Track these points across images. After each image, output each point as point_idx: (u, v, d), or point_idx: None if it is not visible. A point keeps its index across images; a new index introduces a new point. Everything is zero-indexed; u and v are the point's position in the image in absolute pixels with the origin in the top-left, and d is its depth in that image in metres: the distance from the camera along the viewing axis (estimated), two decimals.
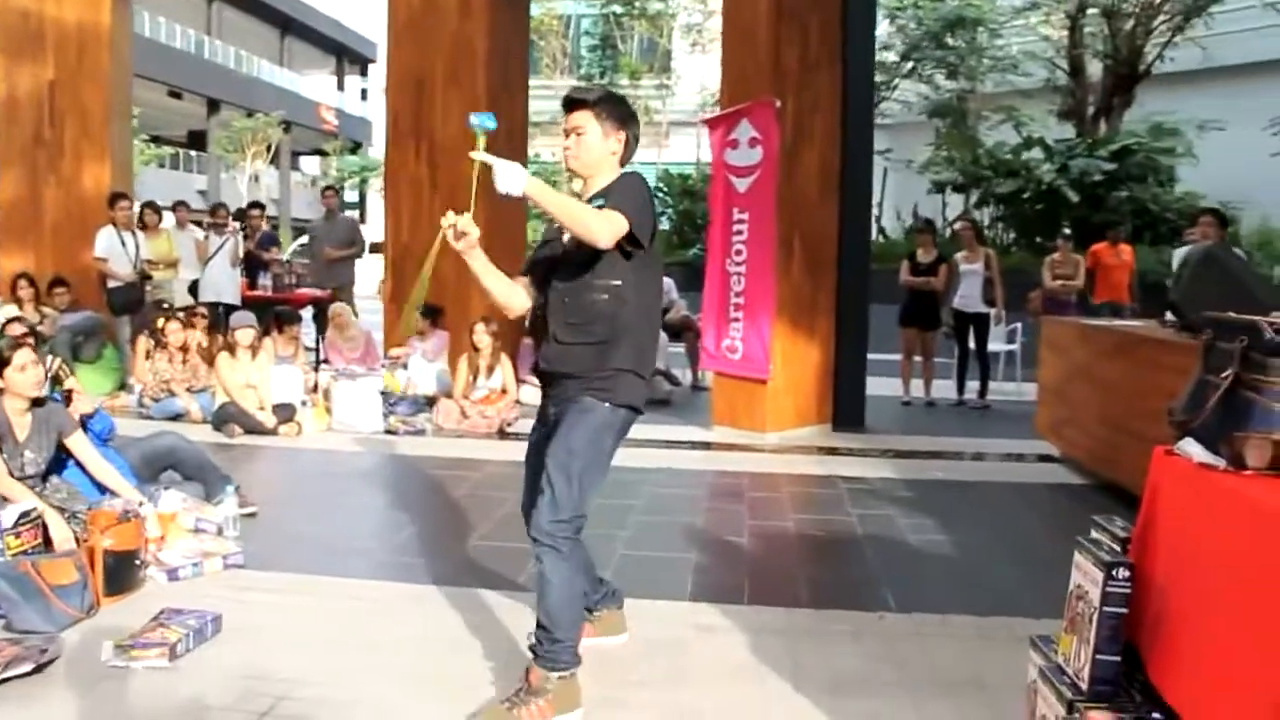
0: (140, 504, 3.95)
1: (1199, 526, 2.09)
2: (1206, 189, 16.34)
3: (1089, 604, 2.18)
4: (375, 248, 13.64)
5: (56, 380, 4.76)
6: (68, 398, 4.51)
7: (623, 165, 2.98)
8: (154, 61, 26.40)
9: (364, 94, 47.06)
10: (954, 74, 21.02)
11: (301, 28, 40.60)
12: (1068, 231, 11.92)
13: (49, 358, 4.69)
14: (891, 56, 20.76)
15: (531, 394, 8.40)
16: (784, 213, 7.09)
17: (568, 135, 2.93)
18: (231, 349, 6.86)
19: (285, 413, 6.93)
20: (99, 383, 7.89)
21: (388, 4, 9.01)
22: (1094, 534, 2.38)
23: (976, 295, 9.01)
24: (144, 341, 7.60)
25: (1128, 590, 2.13)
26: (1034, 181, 16.70)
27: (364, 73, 47.67)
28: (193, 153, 37.04)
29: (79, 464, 4.19)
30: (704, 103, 24.34)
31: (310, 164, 45.66)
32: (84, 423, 4.39)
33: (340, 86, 45.19)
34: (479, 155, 2.66)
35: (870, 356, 8.02)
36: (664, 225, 20.61)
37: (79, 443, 4.15)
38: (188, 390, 7.30)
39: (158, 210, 9.11)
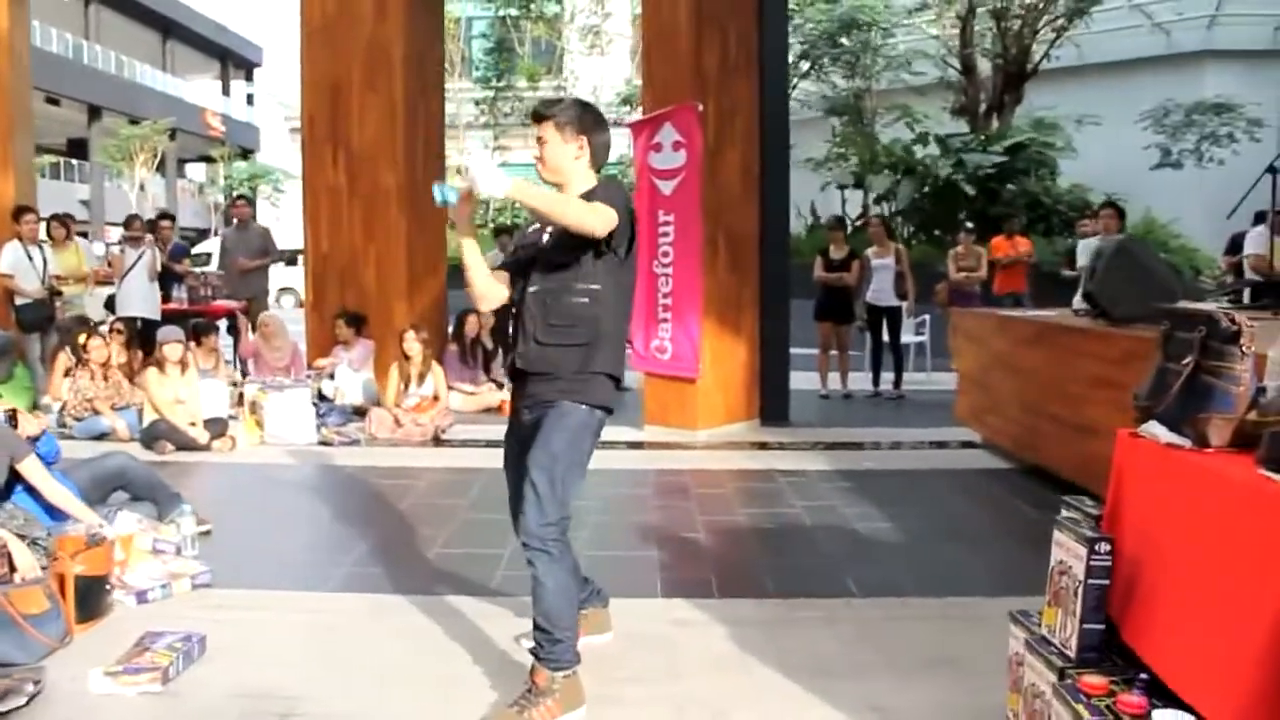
0: (101, 526, 3.88)
1: (1168, 501, 2.30)
2: (1089, 181, 17.19)
3: (1073, 578, 2.36)
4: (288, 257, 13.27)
5: None
6: (12, 419, 4.36)
7: (596, 170, 3.06)
8: (31, 66, 25.22)
9: (250, 99, 45.87)
10: (851, 73, 21.55)
11: (184, 31, 39.41)
12: (970, 225, 12.40)
13: None
14: (789, 57, 21.14)
15: (460, 400, 8.44)
16: (708, 213, 7.24)
17: (539, 145, 3.02)
18: (160, 364, 6.69)
19: (216, 427, 6.78)
20: (11, 403, 7.56)
21: (300, 7, 8.82)
22: (1066, 513, 2.57)
23: (888, 289, 9.35)
24: (64, 358, 7.34)
25: (1109, 563, 2.32)
26: (931, 177, 17.27)
27: (249, 77, 46.47)
28: (74, 161, 35.55)
29: (28, 488, 4.06)
30: (605, 103, 24.40)
31: (196, 171, 44.31)
32: None
33: (225, 91, 43.92)
34: (460, 159, 2.71)
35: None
36: None
37: (32, 466, 4.01)
38: (112, 408, 7.08)
39: (65, 223, 8.79)
